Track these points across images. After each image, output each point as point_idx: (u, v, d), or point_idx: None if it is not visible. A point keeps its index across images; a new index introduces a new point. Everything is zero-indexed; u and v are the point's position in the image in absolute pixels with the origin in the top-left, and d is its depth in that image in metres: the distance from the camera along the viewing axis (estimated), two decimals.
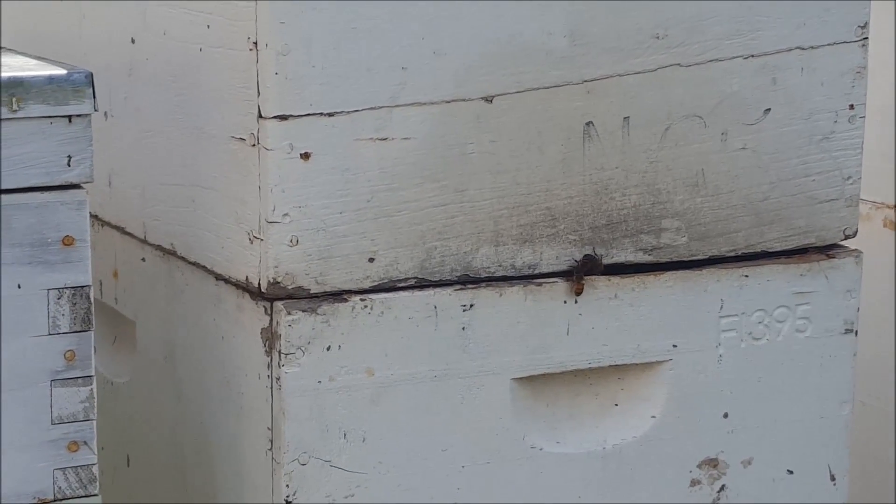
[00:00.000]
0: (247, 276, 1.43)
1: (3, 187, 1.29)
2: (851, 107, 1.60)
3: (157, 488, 1.62)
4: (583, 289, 1.45)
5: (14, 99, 1.28)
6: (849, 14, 1.58)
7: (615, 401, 1.55)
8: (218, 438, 1.51)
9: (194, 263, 1.53)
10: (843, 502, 1.65)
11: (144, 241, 1.62)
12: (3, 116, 1.28)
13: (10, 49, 1.48)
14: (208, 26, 1.46)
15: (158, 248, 1.60)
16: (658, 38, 1.51)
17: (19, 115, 1.29)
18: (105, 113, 1.66)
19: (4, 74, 1.29)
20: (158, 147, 1.58)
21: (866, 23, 1.59)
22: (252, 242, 1.41)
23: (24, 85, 1.29)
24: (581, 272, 1.46)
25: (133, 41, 1.60)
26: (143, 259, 1.63)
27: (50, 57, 1.45)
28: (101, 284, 1.70)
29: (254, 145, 1.40)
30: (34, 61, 1.37)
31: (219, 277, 1.49)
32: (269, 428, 1.42)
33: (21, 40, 1.83)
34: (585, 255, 1.45)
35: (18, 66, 1.33)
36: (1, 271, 1.29)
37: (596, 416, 1.54)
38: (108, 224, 1.69)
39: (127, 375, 1.68)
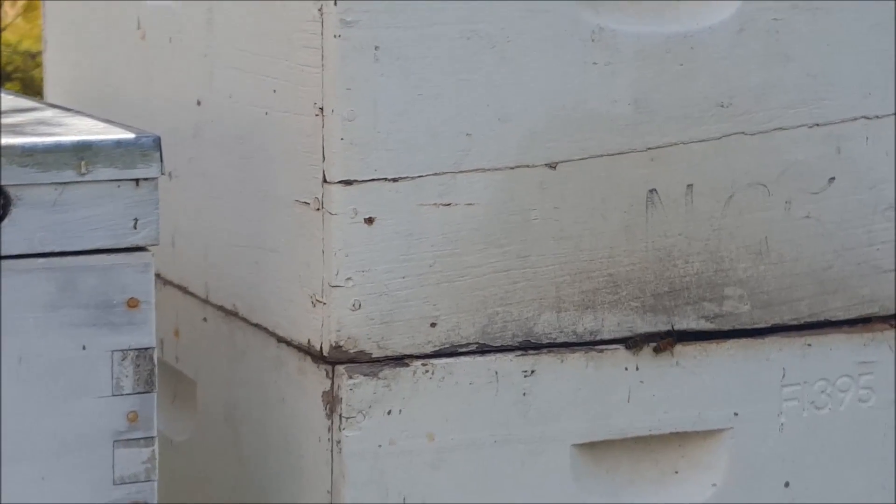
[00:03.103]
0: (309, 340, 1.42)
1: (71, 249, 1.29)
2: None
3: None
4: (667, 347, 1.44)
5: (83, 162, 1.28)
6: None
7: (676, 468, 1.53)
8: (278, 500, 1.50)
9: (256, 325, 1.52)
10: None
11: (206, 301, 1.62)
12: (71, 180, 1.28)
13: (77, 111, 1.49)
14: (274, 91, 1.45)
15: (220, 308, 1.59)
16: (723, 106, 1.49)
17: (87, 178, 1.29)
18: (170, 173, 1.66)
19: (73, 138, 1.29)
20: (223, 208, 1.58)
21: None
22: (315, 306, 1.40)
23: (92, 148, 1.29)
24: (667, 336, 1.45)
25: (199, 103, 1.61)
26: (205, 319, 1.63)
27: (117, 118, 1.46)
28: (161, 343, 1.70)
29: (318, 209, 1.39)
30: (102, 124, 1.37)
31: (280, 340, 1.48)
32: (328, 491, 1.40)
33: (89, 101, 1.83)
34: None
35: (87, 129, 1.33)
36: (66, 333, 1.29)
37: (656, 483, 1.52)
38: (171, 283, 1.69)
39: (186, 434, 1.68)
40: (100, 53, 1.84)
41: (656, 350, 1.47)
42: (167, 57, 1.67)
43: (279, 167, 1.46)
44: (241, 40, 1.51)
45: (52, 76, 2.02)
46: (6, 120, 1.39)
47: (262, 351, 1.52)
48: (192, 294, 1.65)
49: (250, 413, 1.55)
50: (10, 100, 1.55)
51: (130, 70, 1.75)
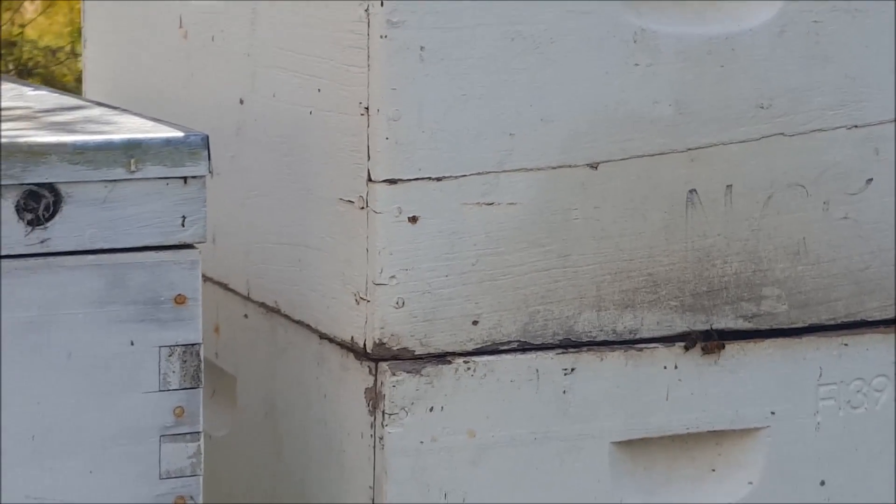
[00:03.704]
0: (352, 337, 1.41)
1: (120, 246, 1.28)
2: None
3: None
4: (716, 349, 1.43)
5: (132, 160, 1.28)
6: None
7: (712, 466, 1.52)
8: (318, 495, 1.49)
9: (298, 322, 1.52)
10: None
11: (248, 298, 1.61)
12: (120, 177, 1.27)
13: (124, 109, 1.48)
14: (319, 90, 1.44)
15: (262, 305, 1.59)
16: (763, 107, 1.48)
17: (137, 175, 1.28)
18: (212, 171, 1.65)
19: (123, 136, 1.28)
20: (265, 206, 1.57)
21: None
22: (358, 303, 1.40)
23: (141, 147, 1.28)
24: (711, 336, 1.44)
25: (242, 102, 1.60)
26: (246, 315, 1.62)
27: (158, 115, 1.45)
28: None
29: (362, 208, 1.38)
30: (150, 123, 1.36)
31: (323, 336, 1.47)
32: (370, 487, 1.40)
33: (130, 99, 1.83)
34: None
35: (136, 128, 1.33)
36: (114, 328, 1.28)
37: (693, 481, 1.51)
38: (211, 280, 1.68)
39: (226, 429, 1.67)
40: (141, 52, 1.83)
41: (704, 350, 1.45)
42: (209, 56, 1.66)
43: (323, 165, 1.45)
44: (284, 40, 1.51)
45: (92, 74, 2.01)
46: (55, 118, 1.39)
47: (303, 347, 1.51)
48: (232, 291, 1.64)
49: (291, 409, 1.54)
50: (55, 98, 1.54)
51: (172, 69, 1.74)
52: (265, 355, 1.58)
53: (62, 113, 1.42)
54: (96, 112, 1.43)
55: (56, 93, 1.61)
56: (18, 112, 1.43)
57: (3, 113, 1.41)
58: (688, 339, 1.46)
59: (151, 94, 1.81)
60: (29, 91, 1.61)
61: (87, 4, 1.99)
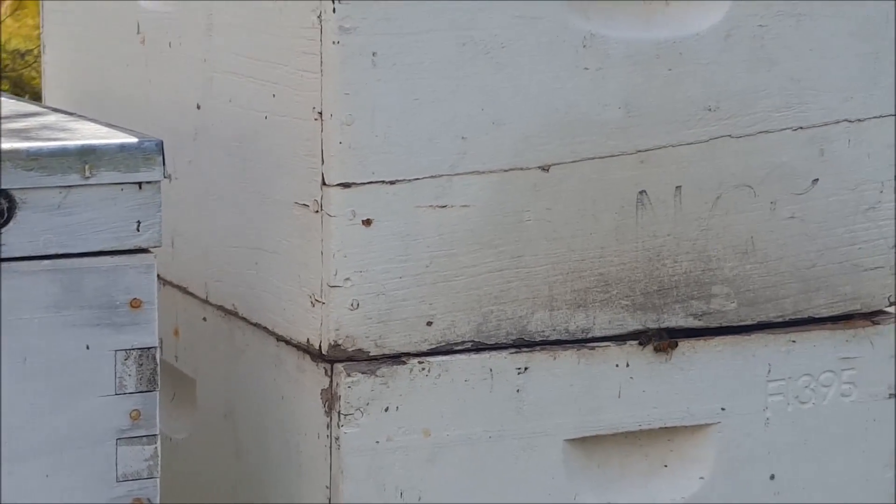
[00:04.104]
0: (308, 339, 1.41)
1: (75, 251, 1.28)
2: None
3: None
4: (667, 347, 1.44)
5: (87, 166, 1.27)
6: (894, 87, 1.55)
7: (665, 462, 1.52)
8: (277, 496, 1.49)
9: (256, 324, 1.51)
10: None
11: (206, 301, 1.61)
12: (75, 183, 1.27)
13: (80, 116, 1.47)
14: (274, 95, 1.44)
15: (220, 308, 1.58)
16: (710, 110, 1.49)
17: (91, 181, 1.28)
18: (169, 175, 1.64)
19: (78, 142, 1.28)
20: (222, 210, 1.56)
21: None
22: (314, 305, 1.39)
23: (96, 153, 1.28)
24: (663, 335, 1.45)
25: (199, 107, 1.59)
26: (205, 318, 1.61)
27: (117, 121, 1.44)
28: (161, 342, 1.68)
29: (317, 211, 1.38)
30: (105, 129, 1.36)
31: (279, 339, 1.47)
32: (327, 486, 1.39)
33: (88, 104, 1.82)
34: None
35: (90, 134, 1.32)
36: (70, 333, 1.28)
37: (646, 476, 1.51)
38: (170, 283, 1.68)
39: (186, 432, 1.66)
40: (99, 57, 1.83)
41: (656, 349, 1.46)
42: (167, 61, 1.66)
43: (278, 170, 1.45)
44: (240, 45, 1.50)
45: (51, 79, 2.00)
46: (10, 125, 1.38)
47: (261, 349, 1.50)
48: (191, 294, 1.64)
49: (249, 410, 1.54)
50: (12, 104, 1.53)
51: (130, 74, 1.73)
52: (224, 358, 1.58)
53: (18, 120, 1.41)
54: (52, 118, 1.43)
55: (13, 99, 1.60)
56: None
57: None
58: (642, 337, 1.46)
59: (110, 99, 1.80)
60: None
61: (47, 8, 1.98)
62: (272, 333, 1.48)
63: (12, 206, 1.25)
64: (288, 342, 1.45)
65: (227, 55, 1.53)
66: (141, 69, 1.72)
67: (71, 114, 1.48)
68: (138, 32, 1.72)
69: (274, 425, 1.49)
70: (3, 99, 1.59)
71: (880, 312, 1.60)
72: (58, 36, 1.96)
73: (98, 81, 1.83)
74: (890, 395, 1.59)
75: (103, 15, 1.80)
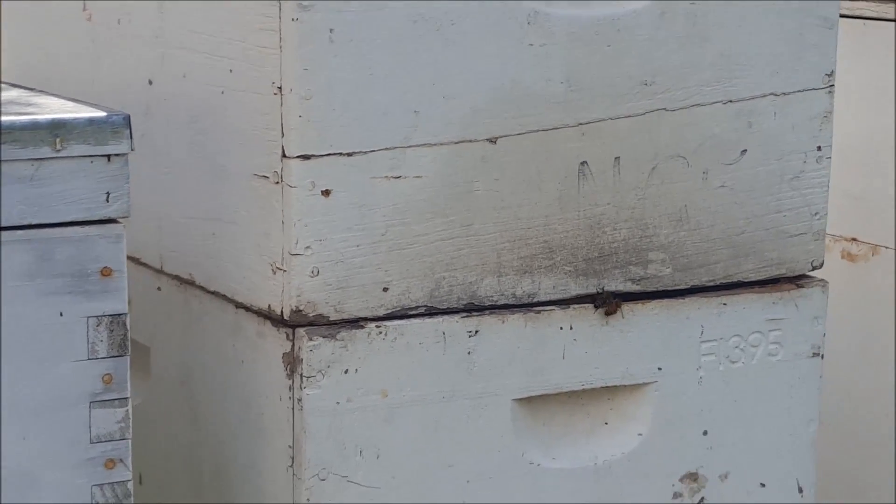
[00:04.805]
0: (269, 305, 1.45)
1: (47, 221, 1.31)
2: (819, 148, 1.65)
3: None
4: (615, 309, 1.50)
5: (58, 139, 1.30)
6: (818, 63, 1.63)
7: (605, 419, 1.59)
8: (236, 457, 1.53)
9: (213, 292, 1.55)
10: None
11: (161, 272, 1.64)
12: (47, 156, 1.30)
13: (41, 91, 1.50)
14: (231, 70, 1.48)
15: (176, 277, 1.62)
16: (646, 84, 1.55)
17: (62, 154, 1.31)
18: (133, 148, 1.67)
19: (49, 116, 1.31)
20: (176, 183, 1.60)
21: (832, 71, 1.64)
22: (275, 273, 1.44)
23: (66, 126, 1.31)
24: (611, 299, 1.51)
25: (150, 83, 1.63)
26: (159, 288, 1.65)
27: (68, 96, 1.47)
28: None
29: (277, 182, 1.42)
30: (71, 103, 1.39)
31: (239, 306, 1.51)
32: (290, 446, 1.44)
33: (38, 82, 1.84)
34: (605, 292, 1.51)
35: (58, 109, 1.35)
36: (44, 300, 1.31)
37: (588, 433, 1.58)
38: None
39: (140, 398, 1.70)
40: (43, 33, 1.85)
41: (607, 313, 1.52)
42: (115, 38, 1.68)
43: (235, 143, 1.48)
44: (194, 23, 1.54)
45: (8, 57, 2.01)
46: None
47: (219, 316, 1.54)
48: (145, 265, 1.67)
49: (206, 376, 1.58)
50: None
51: (77, 51, 1.75)
52: (179, 326, 1.62)
53: None
54: (14, 94, 1.45)
55: None
56: None
57: None
58: (597, 300, 1.53)
59: (56, 75, 1.82)
60: None
61: None
62: (231, 301, 1.52)
63: None
64: (248, 309, 1.49)
65: (180, 32, 1.56)
66: (88, 47, 1.74)
67: (31, 89, 1.50)
68: (84, 9, 1.74)
69: (233, 389, 1.53)
70: None
71: (804, 276, 1.68)
72: (10, 14, 1.98)
73: (44, 59, 1.85)
74: (813, 353, 1.67)
75: None
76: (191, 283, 1.59)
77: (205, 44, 1.52)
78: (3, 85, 1.53)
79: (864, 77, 2.11)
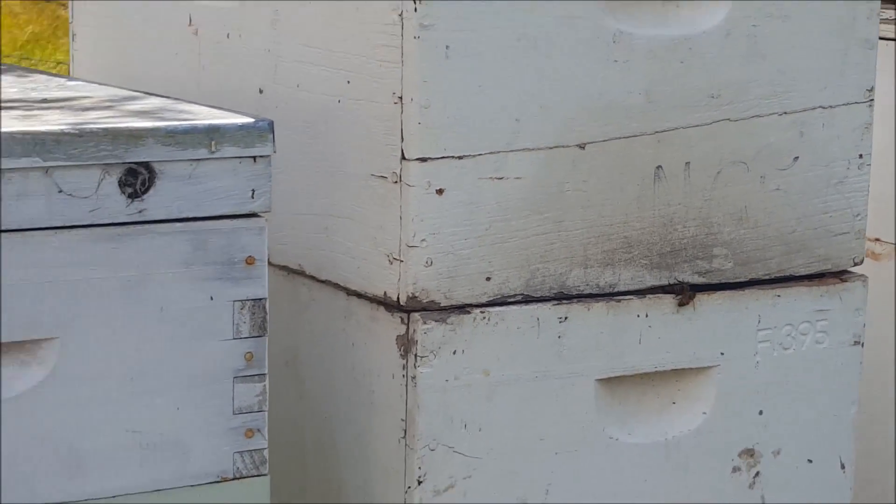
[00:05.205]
0: (385, 292, 1.61)
1: (202, 215, 1.46)
2: (860, 156, 1.82)
3: (276, 473, 1.79)
4: (689, 300, 1.66)
5: (213, 142, 1.46)
6: (860, 79, 1.80)
7: (673, 399, 1.75)
8: (344, 430, 1.68)
9: (324, 281, 1.71)
10: (851, 487, 1.86)
11: (269, 263, 1.79)
12: (203, 157, 1.45)
13: (178, 98, 1.65)
14: (348, 82, 1.64)
15: (283, 268, 1.77)
16: (713, 97, 1.72)
17: (216, 155, 1.46)
18: (275, 150, 1.81)
19: (205, 122, 1.46)
20: (286, 183, 1.75)
21: (872, 86, 1.81)
22: (391, 263, 1.60)
23: (220, 130, 1.46)
24: (687, 290, 1.67)
25: (261, 91, 1.78)
26: None
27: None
28: None
29: (396, 182, 1.58)
30: (217, 110, 1.54)
31: (350, 293, 1.67)
32: (402, 419, 1.60)
33: (132, 87, 1.98)
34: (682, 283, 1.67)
35: (209, 115, 1.50)
36: (198, 286, 1.46)
37: (658, 412, 1.74)
38: None
39: None
40: (139, 47, 1.99)
41: (680, 303, 1.69)
42: (223, 51, 1.83)
43: (352, 147, 1.64)
44: (310, 38, 1.69)
45: (82, 68, 2.15)
46: (130, 106, 1.55)
47: (330, 303, 1.70)
48: None
49: (313, 357, 1.73)
50: (106, 89, 1.70)
51: (179, 61, 1.90)
52: (286, 312, 1.77)
53: (129, 102, 1.59)
54: (158, 101, 1.60)
55: (94, 84, 1.77)
56: (86, 102, 1.59)
57: (69, 103, 1.57)
58: (675, 290, 1.69)
59: (156, 83, 1.96)
60: (68, 82, 1.77)
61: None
62: (343, 288, 1.68)
63: (152, 177, 1.43)
64: (360, 296, 1.65)
65: (296, 46, 1.71)
66: (193, 59, 1.89)
67: (168, 97, 1.65)
68: (190, 24, 1.89)
69: (342, 369, 1.69)
70: (82, 83, 1.75)
71: (846, 272, 1.85)
72: (89, 26, 2.12)
73: (139, 68, 2.00)
74: (854, 342, 1.84)
75: (143, 6, 1.97)
76: (300, 273, 1.75)
77: (321, 57, 1.67)
78: (137, 93, 1.68)
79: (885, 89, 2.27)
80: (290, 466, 1.77)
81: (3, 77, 1.79)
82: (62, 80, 1.79)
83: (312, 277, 1.73)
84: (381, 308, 1.62)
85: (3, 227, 1.37)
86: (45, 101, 1.59)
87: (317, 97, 1.69)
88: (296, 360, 1.76)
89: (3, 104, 1.54)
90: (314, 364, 1.73)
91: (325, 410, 1.72)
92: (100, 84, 1.78)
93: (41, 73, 1.88)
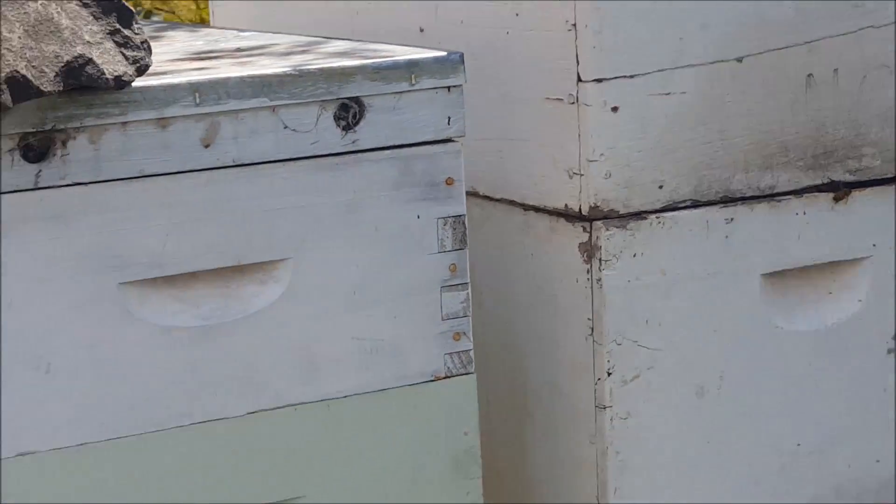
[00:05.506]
0: (566, 204, 1.75)
1: (407, 142, 1.61)
2: None
3: None
4: (844, 196, 1.79)
5: (413, 76, 1.60)
6: None
7: (829, 290, 1.89)
8: (527, 331, 1.83)
9: (499, 199, 1.85)
10: None
11: None
12: (405, 89, 1.60)
13: (359, 39, 1.79)
14: (517, 14, 1.77)
15: None
16: (857, 6, 1.83)
17: (416, 87, 1.60)
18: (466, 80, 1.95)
19: (405, 57, 1.60)
20: None
21: None
22: (571, 178, 1.74)
23: (419, 65, 1.60)
24: (841, 186, 1.80)
25: (422, 30, 1.92)
26: None
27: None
28: None
29: (573, 103, 1.72)
30: (408, 48, 1.68)
31: (527, 208, 1.81)
32: (589, 318, 1.75)
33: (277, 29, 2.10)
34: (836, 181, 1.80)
35: (404, 52, 1.65)
36: (407, 206, 1.61)
37: (817, 302, 1.88)
38: None
39: None
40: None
41: (835, 199, 1.82)
42: None
43: (523, 73, 1.78)
44: None
45: (220, 17, 2.28)
46: (326, 49, 1.70)
47: (506, 219, 1.84)
48: None
49: (490, 268, 1.88)
50: (287, 37, 1.84)
51: (329, 8, 2.03)
52: None
53: (318, 46, 1.73)
54: (342, 45, 1.75)
55: (268, 33, 1.91)
56: (279, 48, 1.73)
57: (264, 50, 1.71)
58: (830, 188, 1.82)
59: (305, 31, 2.09)
60: (241, 33, 1.91)
61: None
62: (519, 205, 1.82)
63: (363, 110, 1.58)
64: (537, 210, 1.79)
65: None
66: (342, 5, 2.02)
67: (350, 39, 1.79)
68: None
69: (522, 278, 1.83)
70: (255, 32, 1.89)
71: None
72: None
73: (287, 16, 2.13)
74: None
75: None
76: (473, 194, 1.89)
77: None
78: (320, 39, 1.82)
79: None
80: (476, 369, 1.92)
81: (177, 33, 1.95)
82: (235, 32, 1.93)
83: (486, 197, 1.87)
84: (562, 220, 1.76)
85: (240, 162, 1.52)
86: (239, 49, 1.74)
87: (482, 31, 1.82)
88: (472, 272, 1.90)
89: (201, 55, 1.69)
90: (492, 274, 1.88)
91: (504, 315, 1.87)
92: (273, 33, 1.92)
93: (198, 26, 2.01)
